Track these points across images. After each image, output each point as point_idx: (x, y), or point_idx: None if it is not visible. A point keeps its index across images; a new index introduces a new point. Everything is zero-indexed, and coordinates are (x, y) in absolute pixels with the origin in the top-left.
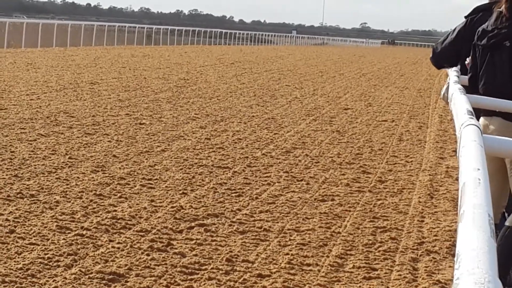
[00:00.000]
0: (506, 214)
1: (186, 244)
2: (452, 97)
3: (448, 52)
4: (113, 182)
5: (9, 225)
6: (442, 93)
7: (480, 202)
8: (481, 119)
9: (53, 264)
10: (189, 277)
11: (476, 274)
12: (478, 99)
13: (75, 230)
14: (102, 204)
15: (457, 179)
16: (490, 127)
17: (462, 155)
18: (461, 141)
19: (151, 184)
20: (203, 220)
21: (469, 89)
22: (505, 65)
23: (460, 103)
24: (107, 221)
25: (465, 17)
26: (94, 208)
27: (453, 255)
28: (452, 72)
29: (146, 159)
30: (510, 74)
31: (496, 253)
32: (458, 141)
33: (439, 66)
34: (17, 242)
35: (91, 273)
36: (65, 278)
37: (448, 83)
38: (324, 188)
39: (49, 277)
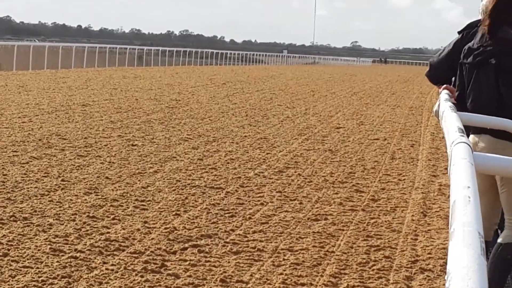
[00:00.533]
0: (499, 231)
1: (180, 265)
2: (443, 114)
3: (445, 63)
4: (106, 204)
5: (3, 248)
6: (434, 109)
7: (470, 220)
8: (471, 136)
9: (47, 287)
10: None
11: None
12: (469, 117)
13: (69, 253)
14: (95, 226)
15: (449, 196)
16: (479, 144)
17: (453, 173)
18: (452, 159)
19: (144, 205)
20: (196, 241)
21: (458, 107)
22: (491, 82)
23: (450, 121)
24: (101, 243)
25: (459, 32)
26: (87, 230)
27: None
28: (444, 90)
29: (139, 180)
30: (496, 91)
31: (486, 271)
32: (449, 159)
33: (435, 80)
34: (10, 265)
35: None
36: None
37: (440, 99)
38: (317, 208)
39: None
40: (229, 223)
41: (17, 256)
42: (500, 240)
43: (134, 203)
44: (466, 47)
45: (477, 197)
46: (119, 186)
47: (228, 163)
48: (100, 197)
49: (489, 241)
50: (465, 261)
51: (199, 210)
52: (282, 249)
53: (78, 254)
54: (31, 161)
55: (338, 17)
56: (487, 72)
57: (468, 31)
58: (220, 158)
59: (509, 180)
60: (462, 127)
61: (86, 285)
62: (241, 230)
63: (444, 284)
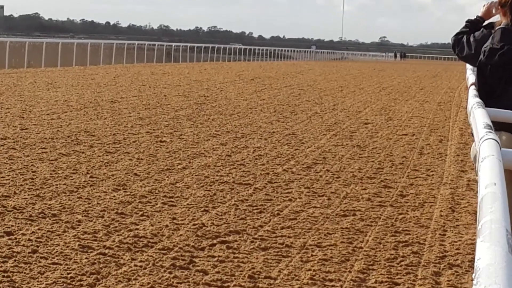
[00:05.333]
0: None
1: (208, 261)
2: (471, 110)
3: (476, 55)
4: (135, 200)
5: (32, 245)
6: (472, 153)
7: (497, 217)
8: None
9: (76, 283)
10: None
11: None
12: (497, 112)
13: (98, 249)
14: (124, 222)
15: (477, 192)
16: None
17: (480, 170)
18: (480, 156)
19: (173, 202)
20: (225, 237)
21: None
22: None
23: (478, 117)
24: (129, 240)
25: (482, 26)
26: (116, 227)
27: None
28: (471, 86)
29: (167, 177)
30: None
31: None
32: (477, 156)
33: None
34: (39, 262)
35: None
36: None
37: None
38: (345, 203)
39: None
40: (258, 219)
41: (46, 252)
42: None
43: (162, 200)
44: (486, 48)
45: (504, 194)
46: (147, 183)
47: (256, 159)
48: (128, 193)
49: None
50: (493, 258)
51: (227, 206)
52: (310, 245)
53: (106, 251)
54: (59, 158)
55: (363, 13)
56: None
57: (489, 30)
58: (248, 154)
59: None
60: (490, 123)
61: (114, 282)
62: (269, 226)
63: (472, 280)
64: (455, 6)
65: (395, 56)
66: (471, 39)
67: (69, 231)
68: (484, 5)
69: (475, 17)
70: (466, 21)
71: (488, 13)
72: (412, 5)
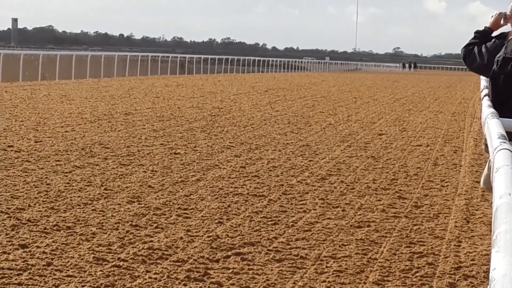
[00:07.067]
0: None
1: (223, 273)
2: (485, 121)
3: (489, 66)
4: (149, 212)
5: (46, 257)
6: (483, 179)
7: (511, 227)
8: None
9: None
10: None
11: None
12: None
13: (112, 262)
14: (138, 235)
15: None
16: None
17: (495, 180)
18: (494, 166)
19: (187, 213)
20: (239, 249)
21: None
22: None
23: (492, 127)
24: (144, 252)
25: (495, 37)
26: (130, 239)
27: None
28: (485, 97)
29: (182, 188)
30: None
31: None
32: (492, 166)
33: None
34: (54, 274)
35: None
36: None
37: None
38: (360, 215)
39: None
40: (272, 230)
41: (61, 265)
42: None
43: (177, 212)
44: (499, 57)
45: None
46: (161, 195)
47: (270, 170)
48: (143, 205)
49: None
50: (508, 268)
51: (241, 218)
52: (325, 257)
53: (121, 263)
54: (74, 170)
55: (376, 23)
56: None
57: (501, 40)
58: (262, 165)
59: None
60: (505, 133)
61: None
62: (284, 237)
63: None
64: (466, 16)
65: (404, 66)
66: (483, 49)
67: (83, 243)
68: (492, 16)
69: (483, 28)
70: (475, 32)
71: (496, 24)
72: (423, 14)
